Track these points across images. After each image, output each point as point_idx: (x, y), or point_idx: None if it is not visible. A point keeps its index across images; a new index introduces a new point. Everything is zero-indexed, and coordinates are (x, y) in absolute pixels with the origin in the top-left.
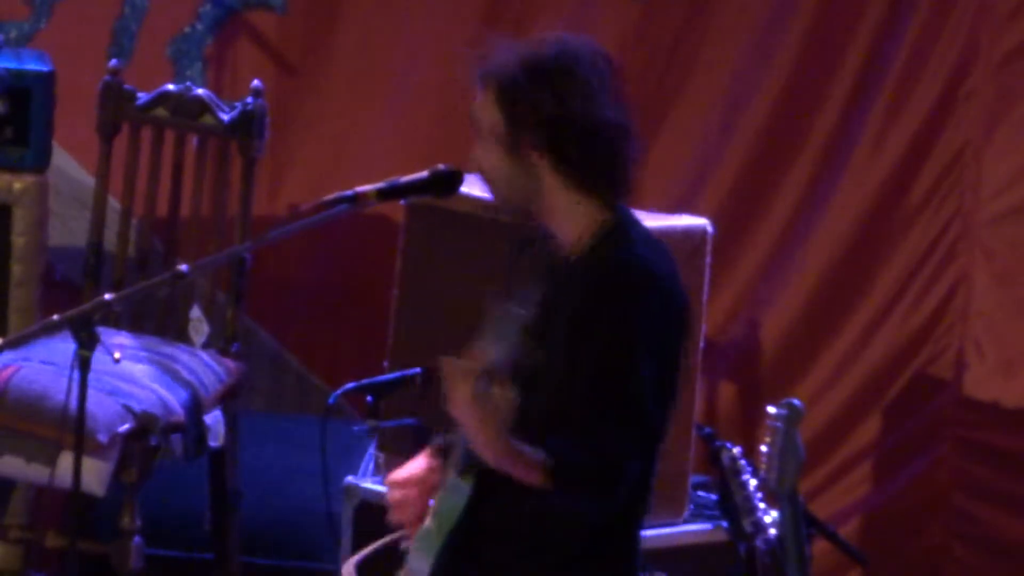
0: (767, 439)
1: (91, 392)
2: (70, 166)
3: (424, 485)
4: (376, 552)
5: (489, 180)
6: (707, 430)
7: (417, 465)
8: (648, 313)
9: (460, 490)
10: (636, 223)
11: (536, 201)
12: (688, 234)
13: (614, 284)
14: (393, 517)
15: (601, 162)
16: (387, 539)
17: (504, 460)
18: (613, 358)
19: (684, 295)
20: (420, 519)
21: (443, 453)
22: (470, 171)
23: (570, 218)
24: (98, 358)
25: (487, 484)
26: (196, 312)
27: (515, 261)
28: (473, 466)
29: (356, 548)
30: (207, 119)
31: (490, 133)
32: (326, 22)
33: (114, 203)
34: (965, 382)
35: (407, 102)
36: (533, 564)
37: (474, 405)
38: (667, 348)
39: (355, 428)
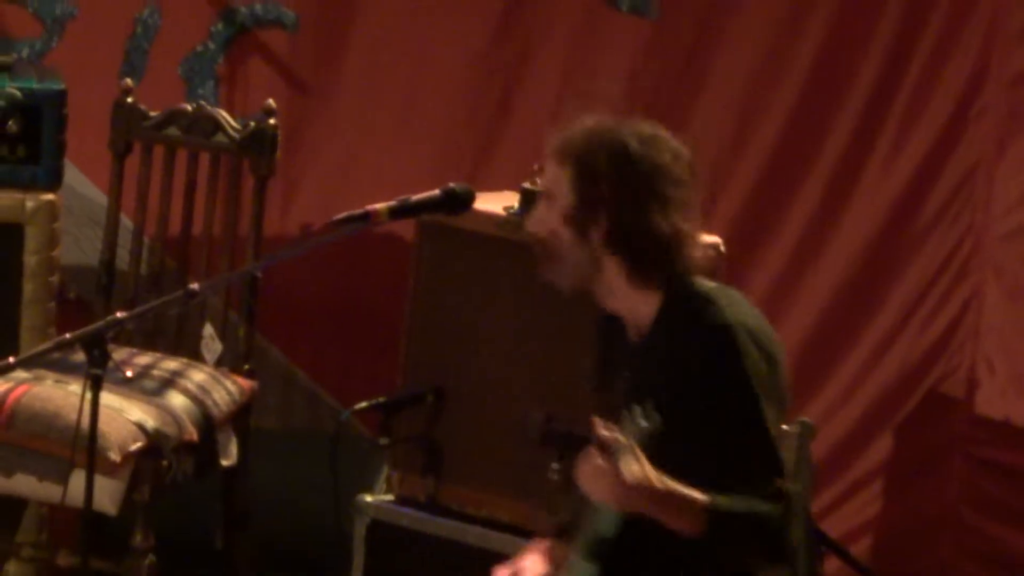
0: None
1: (103, 410)
2: (82, 184)
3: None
4: None
5: (547, 249)
6: None
7: (526, 562)
8: (752, 366)
9: (584, 571)
10: (689, 282)
11: (592, 279)
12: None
13: (709, 355)
14: None
15: (661, 262)
16: None
17: (656, 499)
18: (740, 428)
19: (767, 329)
20: None
21: (560, 535)
22: (529, 217)
23: (628, 299)
24: (110, 376)
25: (615, 565)
26: (208, 330)
27: (603, 331)
28: (598, 550)
29: (367, 566)
30: (219, 137)
31: (558, 207)
32: (338, 40)
33: (126, 221)
34: (977, 400)
35: (418, 120)
36: None
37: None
38: (775, 388)
39: (368, 446)
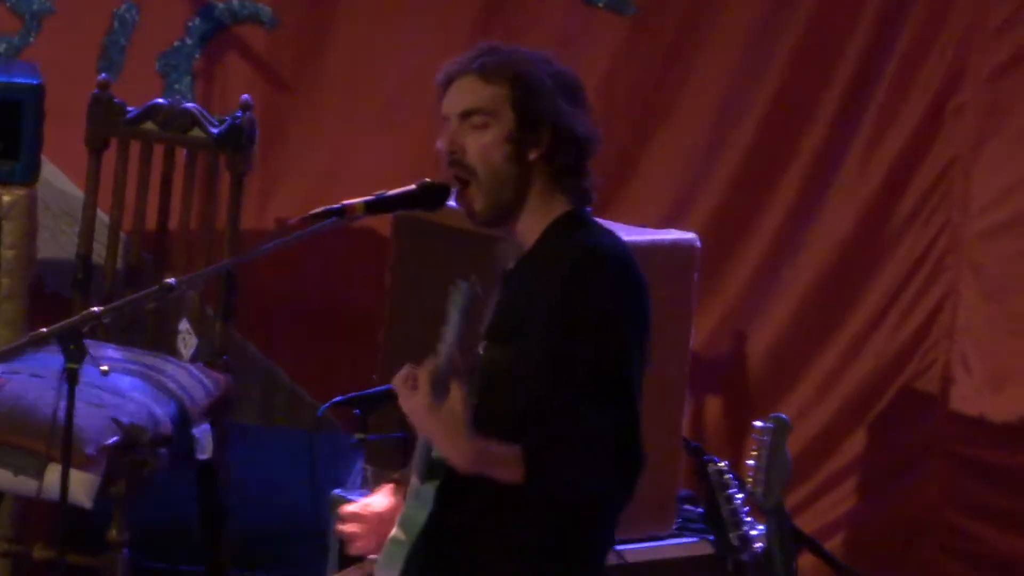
0: (754, 453)
1: (79, 405)
2: (59, 179)
3: (381, 516)
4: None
5: (475, 173)
6: (694, 444)
7: (373, 499)
8: (630, 294)
9: (424, 495)
10: (590, 218)
11: (515, 203)
12: (676, 248)
13: (590, 272)
14: (351, 549)
15: (584, 171)
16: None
17: (478, 463)
18: (605, 345)
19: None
20: (379, 548)
21: (402, 485)
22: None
23: (537, 215)
24: (86, 371)
25: (452, 486)
26: (184, 325)
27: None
28: (435, 470)
29: (343, 560)
30: (196, 133)
31: (498, 125)
32: (316, 37)
33: (103, 216)
34: (952, 397)
35: (396, 117)
36: (504, 565)
37: (433, 414)
38: (644, 322)
39: (344, 441)
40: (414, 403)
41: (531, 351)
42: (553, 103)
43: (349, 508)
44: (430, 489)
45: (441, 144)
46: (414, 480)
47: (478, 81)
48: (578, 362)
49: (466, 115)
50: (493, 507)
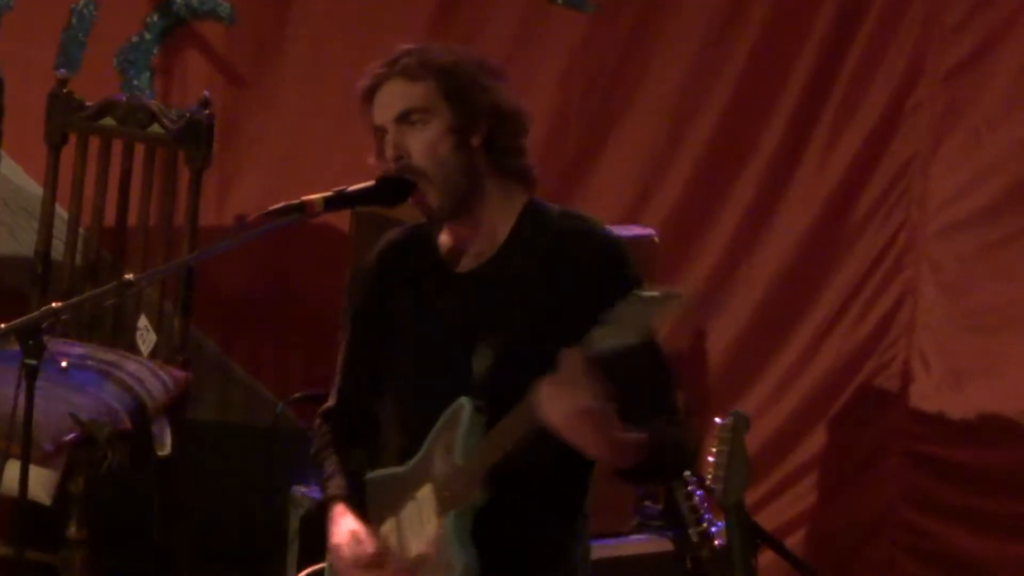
0: (714, 450)
1: (38, 401)
2: (18, 175)
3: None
4: None
5: (424, 173)
6: None
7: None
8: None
9: (452, 534)
10: (540, 199)
11: (470, 193)
12: (635, 244)
13: (611, 257)
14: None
15: (523, 149)
16: None
17: (618, 455)
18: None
19: None
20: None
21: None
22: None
23: (500, 204)
24: (45, 367)
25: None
26: (143, 321)
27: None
28: (454, 499)
29: (302, 557)
30: (154, 129)
31: (436, 121)
32: (274, 33)
33: (62, 212)
34: (912, 394)
35: (355, 113)
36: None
37: (590, 417)
38: None
39: (303, 438)
40: (582, 401)
41: (553, 341)
42: (481, 86)
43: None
44: (456, 522)
45: (379, 157)
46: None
47: (405, 82)
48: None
49: (402, 117)
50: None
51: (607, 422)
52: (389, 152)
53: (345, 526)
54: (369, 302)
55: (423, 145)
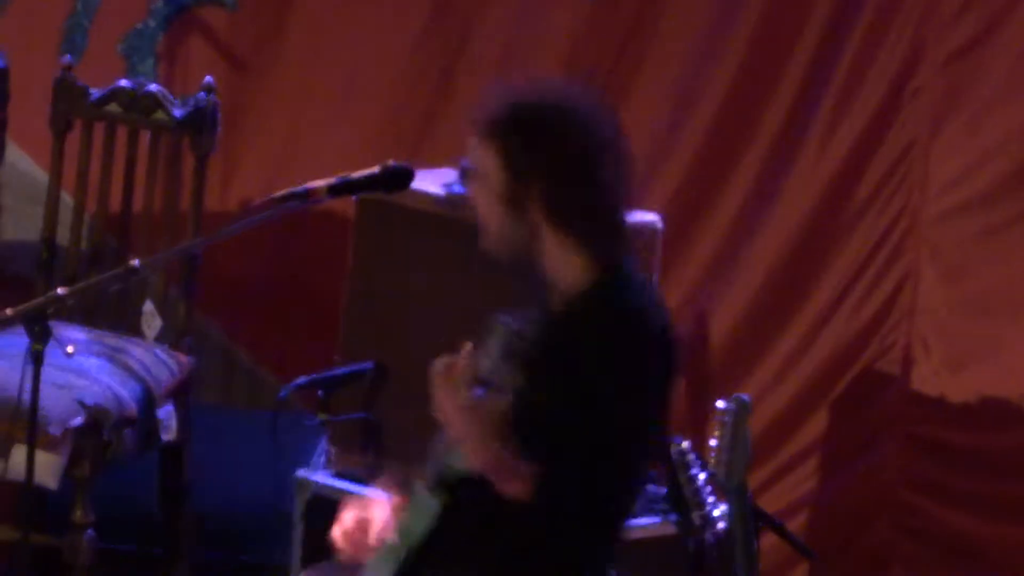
0: (716, 433)
1: (44, 386)
2: (23, 162)
3: (374, 525)
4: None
5: (484, 229)
6: None
7: (370, 507)
8: (627, 354)
9: (427, 507)
10: (629, 279)
11: (530, 251)
12: (637, 229)
13: (596, 329)
14: (343, 557)
15: (597, 222)
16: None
17: (490, 466)
18: (595, 390)
19: (670, 337)
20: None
21: (403, 485)
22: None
23: (564, 270)
24: (51, 352)
25: (460, 506)
26: (148, 307)
27: (521, 280)
28: (445, 485)
29: (307, 541)
30: (159, 115)
31: (489, 185)
32: (277, 19)
33: (67, 198)
34: (912, 378)
35: (357, 98)
36: None
37: (468, 410)
38: (646, 389)
39: (307, 422)
40: (456, 399)
41: (560, 405)
42: (547, 152)
43: (347, 523)
44: (435, 503)
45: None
46: (419, 487)
47: (478, 139)
48: (564, 403)
49: (470, 173)
50: (495, 530)
51: (485, 422)
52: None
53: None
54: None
55: (480, 201)
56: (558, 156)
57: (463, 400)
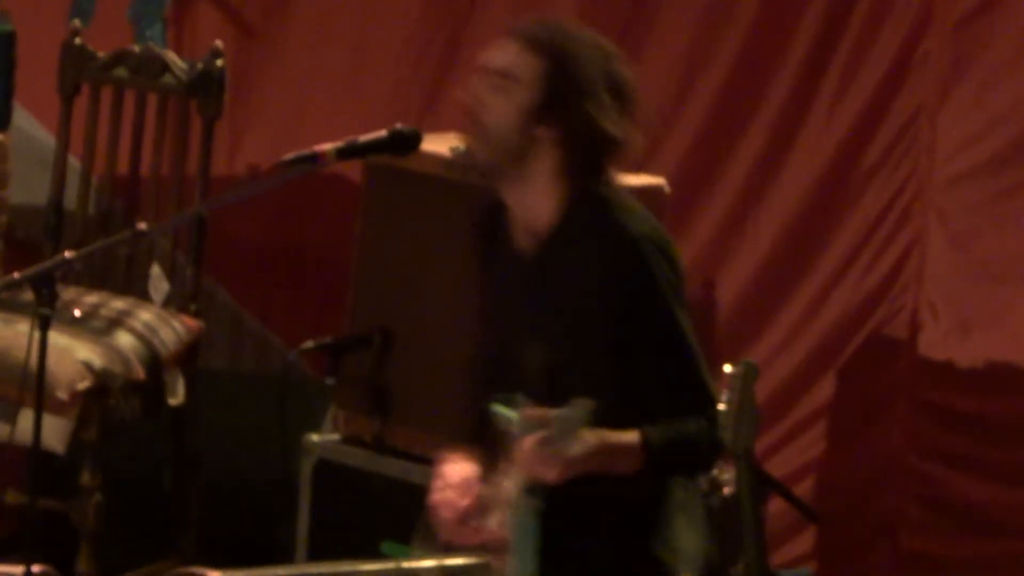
0: (723, 398)
1: (51, 350)
2: (31, 126)
3: (468, 490)
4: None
5: (484, 130)
6: None
7: (466, 471)
8: (673, 276)
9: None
10: (597, 186)
11: (516, 167)
12: (645, 194)
13: (631, 258)
14: (434, 515)
15: (600, 165)
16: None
17: (598, 459)
18: (667, 334)
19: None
20: (460, 520)
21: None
22: (465, 108)
23: (539, 196)
24: (58, 316)
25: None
26: (155, 270)
27: (480, 230)
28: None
29: (314, 505)
30: (167, 79)
31: (518, 90)
32: None
33: (75, 162)
34: (920, 343)
35: (365, 63)
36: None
37: (587, 453)
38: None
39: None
40: (566, 459)
41: (591, 347)
42: (584, 92)
43: (449, 477)
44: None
45: (465, 92)
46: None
47: (521, 48)
48: (640, 355)
49: (495, 74)
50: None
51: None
52: (468, 95)
53: (455, 472)
54: (488, 252)
55: (496, 102)
56: (594, 89)
57: (574, 453)
